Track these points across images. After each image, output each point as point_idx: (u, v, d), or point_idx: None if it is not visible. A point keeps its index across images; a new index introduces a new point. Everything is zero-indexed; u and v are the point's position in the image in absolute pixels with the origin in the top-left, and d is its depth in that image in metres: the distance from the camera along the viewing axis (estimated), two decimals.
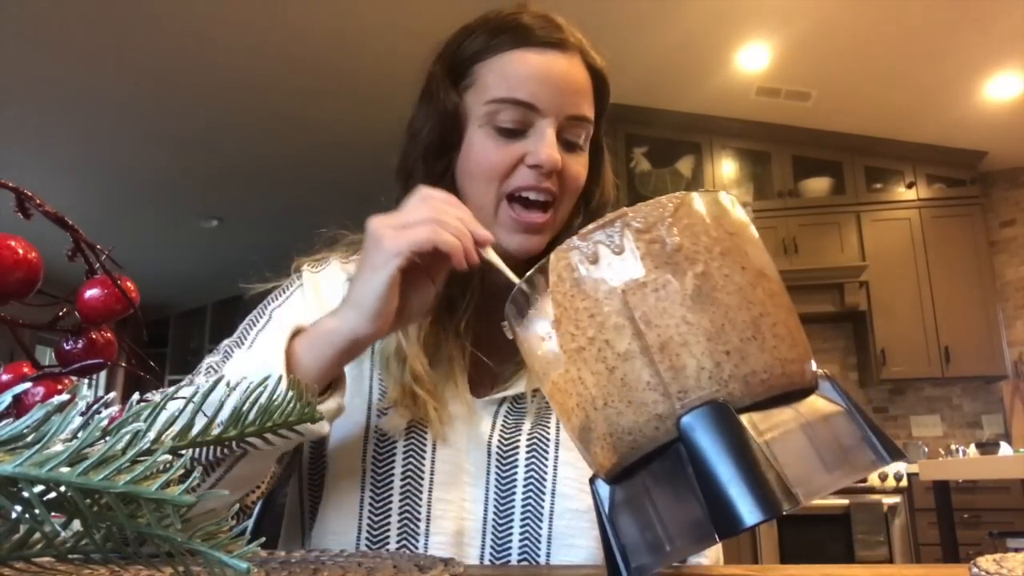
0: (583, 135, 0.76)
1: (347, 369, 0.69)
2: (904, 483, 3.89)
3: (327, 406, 0.63)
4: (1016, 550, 0.63)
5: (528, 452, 0.75)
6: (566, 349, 0.42)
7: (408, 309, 0.64)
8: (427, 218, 0.60)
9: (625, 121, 4.64)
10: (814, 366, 0.44)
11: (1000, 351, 4.33)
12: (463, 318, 0.77)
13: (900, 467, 3.94)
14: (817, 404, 0.43)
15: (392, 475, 0.73)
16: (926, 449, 4.39)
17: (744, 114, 4.57)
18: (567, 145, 0.74)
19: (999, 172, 4.84)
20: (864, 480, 3.91)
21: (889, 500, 3.86)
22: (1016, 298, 4.70)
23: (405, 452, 0.74)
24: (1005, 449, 3.96)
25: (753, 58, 3.98)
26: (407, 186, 0.79)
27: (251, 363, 0.62)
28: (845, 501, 3.87)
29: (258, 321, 0.80)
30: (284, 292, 0.83)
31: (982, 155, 4.63)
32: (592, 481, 0.46)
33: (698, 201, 0.44)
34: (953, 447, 4.30)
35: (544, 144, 0.71)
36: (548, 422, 0.77)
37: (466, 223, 0.62)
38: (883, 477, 3.91)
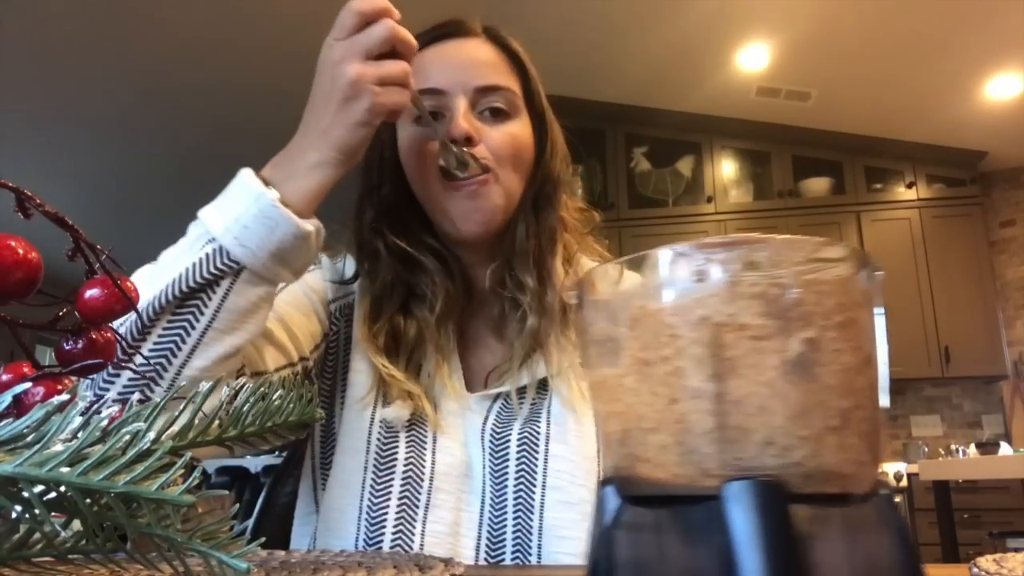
0: (503, 102, 0.80)
1: (360, 363, 0.77)
2: (904, 483, 3.89)
3: (314, 223, 0.67)
4: (1016, 550, 0.63)
5: (519, 446, 0.77)
6: (632, 355, 0.37)
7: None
8: (403, 79, 0.66)
9: (625, 121, 4.64)
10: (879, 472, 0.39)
11: (1000, 351, 4.33)
12: (450, 316, 0.81)
13: (900, 467, 3.94)
14: (868, 516, 0.38)
15: (395, 461, 0.76)
16: (926, 449, 4.39)
17: (744, 114, 4.57)
18: (492, 113, 0.79)
19: (999, 172, 4.84)
20: None
21: None
22: (1016, 298, 4.70)
23: (408, 442, 0.77)
24: (1005, 449, 3.96)
25: (753, 58, 3.98)
26: (368, 202, 0.84)
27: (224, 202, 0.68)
28: None
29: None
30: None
31: (982, 155, 4.63)
32: (603, 485, 0.41)
33: (837, 253, 0.38)
34: (953, 447, 4.29)
35: (454, 116, 0.76)
36: (539, 417, 0.80)
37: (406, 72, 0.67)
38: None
